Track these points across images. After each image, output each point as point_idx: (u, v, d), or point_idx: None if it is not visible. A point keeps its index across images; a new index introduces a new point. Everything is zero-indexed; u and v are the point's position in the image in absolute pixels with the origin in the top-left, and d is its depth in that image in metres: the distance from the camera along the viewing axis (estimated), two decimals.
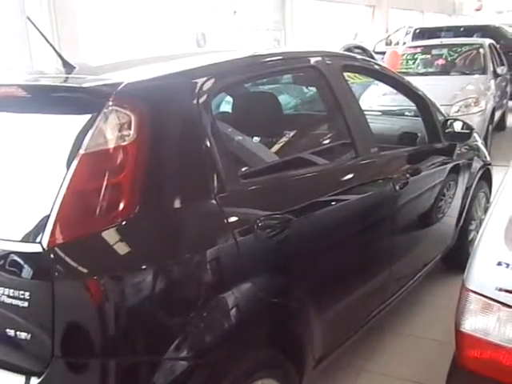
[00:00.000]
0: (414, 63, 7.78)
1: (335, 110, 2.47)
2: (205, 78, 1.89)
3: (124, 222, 1.55)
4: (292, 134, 2.56)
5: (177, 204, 1.68)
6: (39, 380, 1.47)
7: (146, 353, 1.56)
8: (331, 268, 2.24)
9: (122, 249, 1.56)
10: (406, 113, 3.90)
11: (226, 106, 2.66)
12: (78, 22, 7.12)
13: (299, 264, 2.04)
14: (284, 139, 2.47)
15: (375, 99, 4.49)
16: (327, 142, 2.66)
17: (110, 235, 1.53)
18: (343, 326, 2.44)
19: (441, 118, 3.29)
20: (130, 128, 1.61)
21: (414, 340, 3.02)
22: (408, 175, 2.71)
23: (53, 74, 2.20)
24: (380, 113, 4.08)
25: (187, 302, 1.64)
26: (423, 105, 3.20)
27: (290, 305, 1.99)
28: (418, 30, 10.32)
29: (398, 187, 2.59)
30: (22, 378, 1.50)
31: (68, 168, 1.54)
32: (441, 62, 7.74)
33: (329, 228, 2.21)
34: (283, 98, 3.41)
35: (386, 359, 2.87)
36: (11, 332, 1.50)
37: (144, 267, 1.56)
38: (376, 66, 3.09)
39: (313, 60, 2.45)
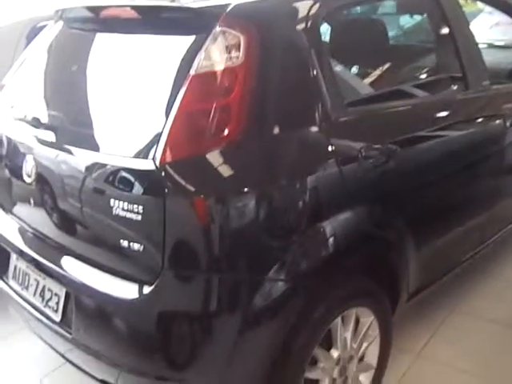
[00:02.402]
0: None
1: (447, 39, 2.33)
2: (311, 2, 1.83)
3: (230, 145, 1.56)
4: (399, 63, 2.45)
5: (282, 129, 1.67)
6: (151, 288, 1.56)
7: (247, 271, 1.60)
8: (432, 203, 2.18)
9: (226, 171, 1.58)
10: None
11: (329, 32, 2.57)
12: None
13: (401, 196, 2.00)
14: (391, 69, 2.36)
15: (485, 30, 4.18)
16: (435, 72, 2.52)
17: (217, 157, 1.55)
18: (439, 262, 2.40)
19: None
20: (238, 50, 1.59)
21: (510, 285, 2.92)
22: None
23: None
24: (487, 45, 3.80)
25: (289, 226, 1.66)
26: None
27: (389, 236, 1.97)
28: None
29: (508, 124, 2.45)
30: (135, 286, 1.60)
31: (179, 88, 1.56)
32: None
33: (433, 162, 2.14)
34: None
35: (479, 301, 2.81)
36: (125, 243, 1.58)
37: (246, 190, 1.58)
38: None
39: None
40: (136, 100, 1.70)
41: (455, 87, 2.35)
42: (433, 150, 2.15)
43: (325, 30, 2.56)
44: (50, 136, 1.86)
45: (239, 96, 1.57)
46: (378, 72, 2.30)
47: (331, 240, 1.74)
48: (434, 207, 2.21)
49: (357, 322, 1.96)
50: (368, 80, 2.23)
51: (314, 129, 1.74)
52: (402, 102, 2.13)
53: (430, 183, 2.16)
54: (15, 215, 2.09)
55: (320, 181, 1.71)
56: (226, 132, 1.55)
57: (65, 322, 1.80)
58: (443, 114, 2.23)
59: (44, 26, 2.44)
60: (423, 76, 2.46)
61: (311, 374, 1.82)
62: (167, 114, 1.55)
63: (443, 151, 2.19)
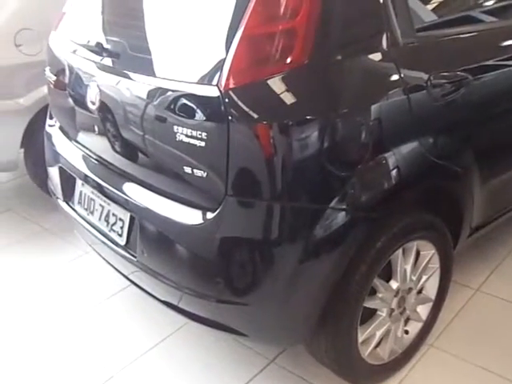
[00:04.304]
0: None
1: None
2: None
3: (295, 70, 1.52)
4: None
5: (348, 55, 1.60)
6: (214, 214, 1.58)
7: (309, 200, 1.58)
8: (501, 136, 2.10)
9: (290, 97, 1.54)
10: None
11: None
12: None
13: (470, 128, 1.92)
14: None
15: None
16: None
17: (281, 82, 1.51)
18: (504, 198, 2.33)
19: None
20: None
21: None
22: None
23: None
24: None
25: (352, 155, 1.62)
26: None
27: (454, 169, 1.90)
28: None
29: None
30: (198, 212, 1.62)
31: (242, 11, 1.51)
32: None
33: (507, 93, 2.03)
34: None
35: None
36: (188, 170, 1.59)
37: (310, 117, 1.54)
38: None
39: None
40: (199, 24, 1.66)
41: None
42: (505, 79, 2.04)
43: None
44: (113, 62, 1.86)
45: (305, 19, 1.51)
46: None
47: (395, 171, 1.69)
48: (503, 140, 2.13)
49: (417, 254, 1.94)
50: (438, 5, 2.09)
51: (382, 55, 1.67)
52: (474, 28, 2.02)
53: (500, 115, 2.07)
54: (79, 142, 2.13)
55: (386, 110, 1.65)
56: (291, 57, 1.50)
57: (129, 245, 1.87)
58: None
59: None
60: (496, 1, 2.30)
61: (370, 304, 1.84)
62: (231, 38, 1.51)
63: None
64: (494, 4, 2.29)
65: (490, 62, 1.99)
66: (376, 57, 1.67)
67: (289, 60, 1.51)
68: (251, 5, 1.50)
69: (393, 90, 1.67)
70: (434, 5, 2.09)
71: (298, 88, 1.54)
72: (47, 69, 2.27)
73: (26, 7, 2.92)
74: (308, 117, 1.54)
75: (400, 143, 1.70)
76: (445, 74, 1.79)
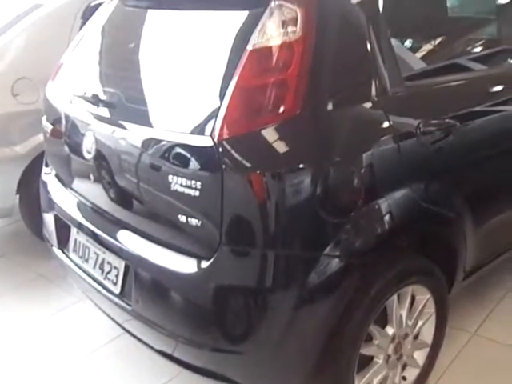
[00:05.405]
0: None
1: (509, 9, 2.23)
2: None
3: (287, 120, 1.55)
4: (459, 36, 2.36)
5: (339, 105, 1.64)
6: (208, 263, 1.58)
7: (303, 248, 1.60)
8: (491, 180, 2.13)
9: (283, 147, 1.57)
10: None
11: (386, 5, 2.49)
12: None
13: (460, 173, 1.96)
14: (450, 42, 2.29)
15: None
16: (495, 44, 2.43)
17: (274, 133, 1.54)
18: (497, 241, 2.34)
19: None
20: (295, 24, 1.57)
21: None
22: None
23: None
24: None
25: (345, 203, 1.64)
26: None
27: (447, 214, 1.93)
28: None
29: None
30: (193, 261, 1.63)
31: (235, 64, 1.56)
32: None
33: (493, 137, 2.08)
34: None
35: None
36: (183, 218, 1.60)
37: (303, 166, 1.57)
38: None
39: None
40: (192, 76, 1.71)
41: None
42: (493, 125, 2.09)
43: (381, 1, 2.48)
44: (109, 113, 1.89)
45: (296, 71, 1.55)
46: (436, 45, 2.23)
47: (387, 217, 1.71)
48: (493, 184, 2.16)
49: (412, 299, 1.94)
50: (426, 53, 2.16)
51: (372, 104, 1.71)
52: (462, 75, 2.08)
53: (489, 160, 2.11)
54: (75, 190, 2.15)
55: (377, 157, 1.68)
56: (283, 108, 1.54)
57: (124, 294, 1.86)
58: (504, 87, 2.14)
59: (99, 5, 2.48)
60: (483, 48, 2.37)
61: (366, 351, 1.82)
62: (224, 91, 1.55)
63: (504, 126, 2.12)
64: (480, 52, 2.36)
65: (478, 109, 2.04)
66: (366, 106, 1.71)
67: (281, 110, 1.54)
68: (244, 57, 1.55)
69: (383, 138, 1.70)
70: (422, 53, 2.16)
71: (291, 138, 1.57)
72: (44, 118, 2.30)
73: (24, 57, 2.99)
74: (301, 166, 1.57)
75: (392, 190, 1.72)
76: (433, 121, 1.83)
